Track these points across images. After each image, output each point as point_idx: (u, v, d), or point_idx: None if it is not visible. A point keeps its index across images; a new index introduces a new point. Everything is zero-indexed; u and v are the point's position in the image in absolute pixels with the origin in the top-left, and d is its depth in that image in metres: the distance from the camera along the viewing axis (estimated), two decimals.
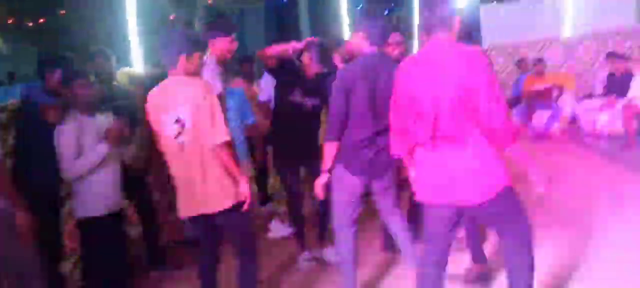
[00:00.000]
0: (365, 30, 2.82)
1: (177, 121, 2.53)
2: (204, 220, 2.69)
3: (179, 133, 2.54)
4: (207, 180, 2.56)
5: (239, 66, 5.03)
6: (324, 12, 10.21)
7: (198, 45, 2.66)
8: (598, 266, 3.25)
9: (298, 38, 13.73)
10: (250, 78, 4.72)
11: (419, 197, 2.38)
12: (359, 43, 2.85)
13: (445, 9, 2.22)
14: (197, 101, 2.50)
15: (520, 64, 8.62)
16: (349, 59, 3.36)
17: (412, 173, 2.47)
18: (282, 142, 3.74)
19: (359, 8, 3.10)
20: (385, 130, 2.70)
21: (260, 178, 4.79)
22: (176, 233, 4.44)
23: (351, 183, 2.85)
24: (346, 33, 7.66)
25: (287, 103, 3.62)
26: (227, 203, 2.58)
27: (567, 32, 9.46)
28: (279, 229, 4.44)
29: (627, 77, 6.66)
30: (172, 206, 4.61)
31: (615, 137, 6.46)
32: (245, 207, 2.63)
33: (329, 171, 2.84)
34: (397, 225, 3.01)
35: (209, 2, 12.37)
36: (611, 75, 7.08)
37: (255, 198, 4.39)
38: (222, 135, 2.51)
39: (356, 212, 2.96)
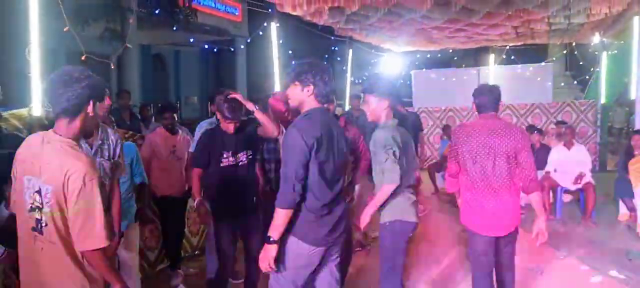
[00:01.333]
0: (316, 86, 2.58)
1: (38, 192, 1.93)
2: None
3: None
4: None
5: (159, 114, 4.61)
6: (259, 58, 10.13)
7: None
8: None
9: (234, 81, 13.55)
10: (172, 128, 4.28)
11: (470, 228, 3.15)
12: (304, 97, 2.61)
13: (495, 96, 3.16)
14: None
15: (445, 129, 8.85)
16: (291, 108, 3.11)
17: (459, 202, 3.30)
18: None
19: (305, 61, 2.86)
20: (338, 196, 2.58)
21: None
22: None
23: (309, 254, 2.55)
24: (278, 77, 7.56)
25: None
26: None
27: None
28: None
29: (545, 150, 6.93)
30: None
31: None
32: None
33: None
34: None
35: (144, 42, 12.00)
36: (539, 149, 7.34)
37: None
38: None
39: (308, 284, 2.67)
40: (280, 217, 2.42)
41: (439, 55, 11.87)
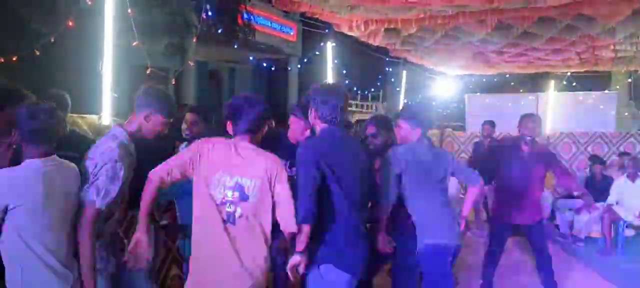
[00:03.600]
0: (317, 109, 2.73)
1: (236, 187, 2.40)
2: None
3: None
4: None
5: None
6: (313, 77, 10.28)
7: None
8: None
9: (285, 99, 13.88)
10: None
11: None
12: (312, 121, 2.80)
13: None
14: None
15: None
16: None
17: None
18: None
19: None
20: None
21: None
22: None
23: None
24: None
25: None
26: None
27: (547, 129, 9.58)
28: None
29: (607, 181, 6.63)
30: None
31: (592, 240, 6.35)
32: None
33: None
34: None
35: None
36: (591, 178, 7.05)
37: None
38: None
39: None
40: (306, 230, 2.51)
41: (495, 79, 11.63)
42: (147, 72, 4.82)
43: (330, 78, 7.99)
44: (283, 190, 2.47)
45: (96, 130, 4.08)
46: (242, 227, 2.39)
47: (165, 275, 4.27)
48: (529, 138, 4.38)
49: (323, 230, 2.58)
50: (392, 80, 11.45)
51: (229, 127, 2.53)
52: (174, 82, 7.70)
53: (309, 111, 2.77)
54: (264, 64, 14.70)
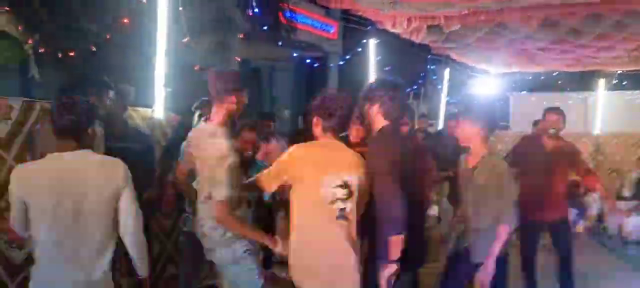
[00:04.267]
0: (383, 104, 2.75)
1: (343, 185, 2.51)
2: None
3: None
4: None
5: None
6: (353, 74, 10.34)
7: None
8: None
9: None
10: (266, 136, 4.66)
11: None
12: (372, 116, 2.80)
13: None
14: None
15: None
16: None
17: None
18: None
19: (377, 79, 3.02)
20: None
21: None
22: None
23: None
24: None
25: None
26: None
27: (596, 128, 9.29)
28: None
29: None
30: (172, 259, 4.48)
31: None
32: None
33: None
34: None
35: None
36: None
37: None
38: None
39: None
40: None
41: (542, 77, 11.34)
42: (196, 69, 5.02)
43: (372, 76, 8.02)
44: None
45: (150, 124, 4.28)
46: (350, 221, 2.53)
47: (159, 276, 4.36)
48: (552, 131, 4.27)
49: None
50: (434, 77, 11.35)
51: (317, 123, 2.63)
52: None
53: (368, 107, 2.79)
54: (305, 62, 14.84)
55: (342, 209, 2.50)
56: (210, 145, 2.64)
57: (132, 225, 2.36)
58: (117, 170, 2.35)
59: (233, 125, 2.98)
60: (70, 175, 2.25)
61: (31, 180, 2.26)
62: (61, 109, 2.27)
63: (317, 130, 2.65)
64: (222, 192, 2.56)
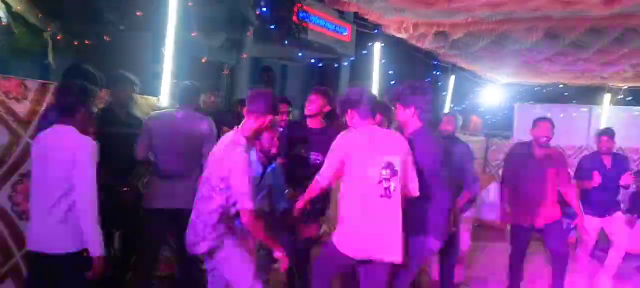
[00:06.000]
0: (418, 107, 3.22)
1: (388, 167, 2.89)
2: None
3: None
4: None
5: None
6: (364, 77, 10.51)
7: None
8: None
9: (335, 95, 13.92)
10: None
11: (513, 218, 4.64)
12: (407, 118, 3.24)
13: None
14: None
15: None
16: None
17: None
18: None
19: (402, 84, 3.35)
20: None
21: None
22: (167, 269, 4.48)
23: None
24: (377, 95, 7.85)
25: None
26: None
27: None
28: None
29: None
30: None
31: (633, 257, 6.25)
32: None
33: None
34: None
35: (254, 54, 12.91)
36: (636, 194, 6.88)
37: None
38: None
39: None
40: None
41: (548, 89, 11.41)
42: (203, 62, 5.27)
43: (376, 79, 8.19)
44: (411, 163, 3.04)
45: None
46: (395, 198, 2.91)
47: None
48: (543, 139, 4.47)
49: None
50: (440, 84, 11.47)
51: (352, 115, 3.04)
52: (226, 72, 8.13)
53: (401, 109, 3.27)
54: (315, 63, 15.00)
55: (387, 188, 2.87)
56: (232, 152, 2.86)
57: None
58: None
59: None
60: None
61: None
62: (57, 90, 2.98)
63: (355, 120, 3.05)
64: (248, 203, 2.81)
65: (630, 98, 10.75)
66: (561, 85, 10.81)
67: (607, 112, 10.05)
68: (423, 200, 3.08)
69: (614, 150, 5.44)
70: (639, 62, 7.25)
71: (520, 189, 4.61)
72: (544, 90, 11.73)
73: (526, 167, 4.56)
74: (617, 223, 5.40)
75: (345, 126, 3.25)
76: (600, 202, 5.26)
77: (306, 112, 3.82)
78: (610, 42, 6.18)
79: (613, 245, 5.40)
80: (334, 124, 3.98)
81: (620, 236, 5.37)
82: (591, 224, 5.30)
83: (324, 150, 3.18)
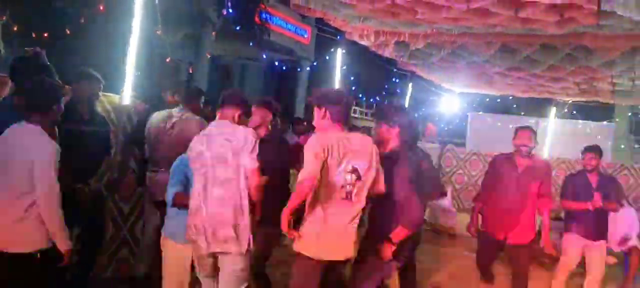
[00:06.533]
0: (402, 127, 3.34)
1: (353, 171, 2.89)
2: None
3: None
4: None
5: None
6: (323, 81, 10.61)
7: None
8: None
9: (294, 99, 14.18)
10: None
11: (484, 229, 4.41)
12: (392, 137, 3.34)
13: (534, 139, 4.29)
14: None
15: None
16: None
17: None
18: None
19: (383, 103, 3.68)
20: None
21: None
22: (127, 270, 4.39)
23: None
24: None
25: None
26: None
27: (545, 153, 9.84)
28: None
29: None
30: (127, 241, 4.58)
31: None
32: None
33: None
34: None
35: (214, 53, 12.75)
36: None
37: None
38: None
39: None
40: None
41: (499, 100, 11.91)
42: (167, 61, 5.17)
43: (337, 83, 8.29)
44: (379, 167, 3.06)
45: (117, 109, 4.40)
46: (356, 202, 2.95)
47: (112, 258, 4.46)
48: (524, 149, 4.19)
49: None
50: (398, 91, 11.76)
51: (322, 114, 2.98)
52: (191, 70, 8.00)
53: (385, 127, 3.38)
54: (276, 64, 15.00)
55: (349, 192, 2.90)
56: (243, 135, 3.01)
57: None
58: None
59: None
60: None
61: None
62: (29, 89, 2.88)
63: (325, 121, 2.99)
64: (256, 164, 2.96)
65: (574, 112, 11.40)
66: (511, 97, 11.31)
67: (552, 125, 10.60)
68: (397, 214, 3.15)
69: (600, 168, 5.08)
70: (583, 79, 7.67)
71: (498, 202, 4.27)
72: (497, 101, 12.22)
73: (507, 179, 4.24)
74: (597, 252, 4.92)
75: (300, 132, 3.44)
76: (584, 222, 4.84)
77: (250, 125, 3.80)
78: (560, 59, 6.51)
79: (588, 275, 4.98)
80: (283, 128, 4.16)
81: (597, 268, 4.92)
82: (573, 243, 4.90)
83: (266, 157, 3.15)
